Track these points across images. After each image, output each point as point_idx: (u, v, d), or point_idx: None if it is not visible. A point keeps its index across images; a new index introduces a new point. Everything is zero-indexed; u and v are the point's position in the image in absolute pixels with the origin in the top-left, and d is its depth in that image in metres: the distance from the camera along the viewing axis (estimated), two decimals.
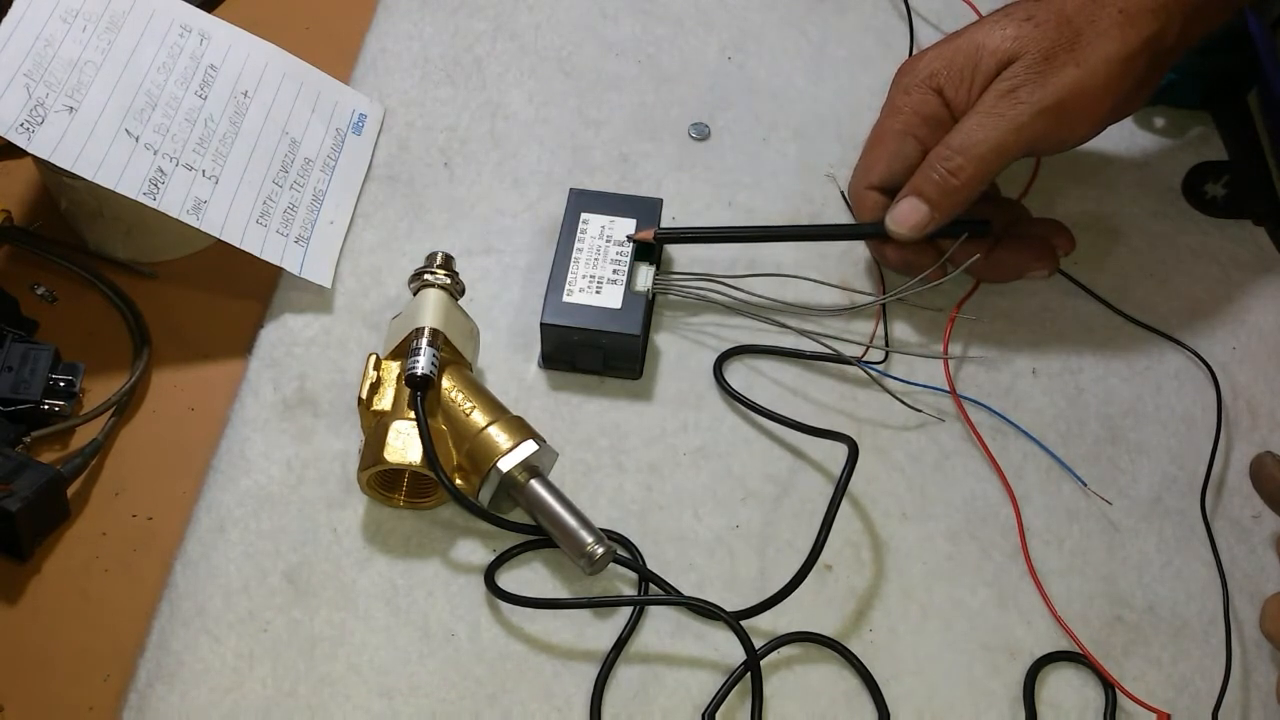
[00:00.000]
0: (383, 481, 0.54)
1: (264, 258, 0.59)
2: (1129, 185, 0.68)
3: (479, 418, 0.53)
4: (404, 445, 0.52)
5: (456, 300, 0.57)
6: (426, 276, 0.56)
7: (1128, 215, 0.67)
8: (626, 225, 0.60)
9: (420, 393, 0.52)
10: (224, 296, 0.62)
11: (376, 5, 0.74)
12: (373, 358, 0.54)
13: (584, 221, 0.60)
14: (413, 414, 0.52)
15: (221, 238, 0.59)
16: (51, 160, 0.58)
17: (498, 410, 0.53)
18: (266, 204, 0.60)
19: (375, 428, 0.53)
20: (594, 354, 0.58)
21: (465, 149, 0.68)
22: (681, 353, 0.60)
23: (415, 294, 0.57)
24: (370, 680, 0.50)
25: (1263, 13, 0.70)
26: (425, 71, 0.71)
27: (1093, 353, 0.61)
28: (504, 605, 0.52)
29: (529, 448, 0.52)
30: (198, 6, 0.72)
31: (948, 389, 0.59)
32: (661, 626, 0.52)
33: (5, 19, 0.59)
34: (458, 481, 0.52)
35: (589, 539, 0.51)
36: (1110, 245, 0.65)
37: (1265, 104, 0.70)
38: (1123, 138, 0.70)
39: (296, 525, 0.54)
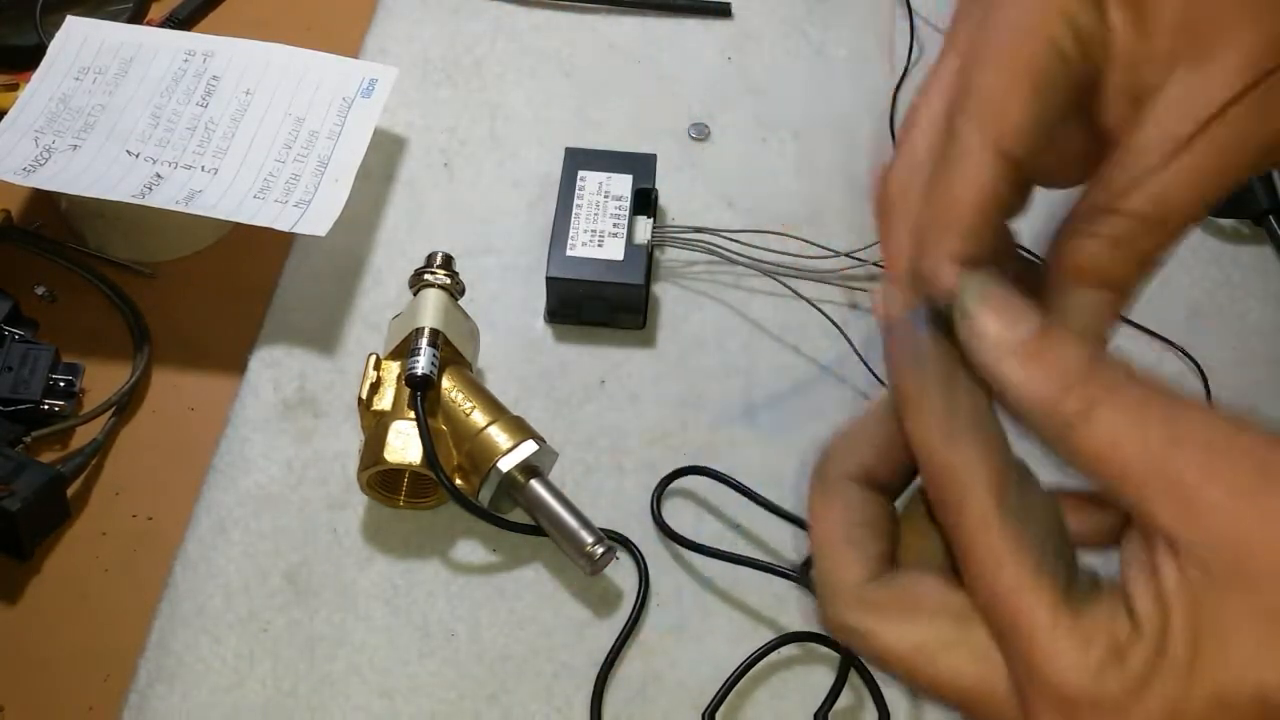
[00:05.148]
0: (383, 482, 0.54)
1: (255, 224, 0.59)
2: None
3: (479, 418, 0.53)
4: (404, 445, 0.51)
5: (456, 300, 0.57)
6: (426, 276, 0.56)
7: None
8: (623, 181, 0.61)
9: (420, 393, 0.52)
10: (224, 296, 0.62)
11: (376, 5, 0.74)
12: (373, 358, 0.54)
13: (581, 179, 0.61)
14: (413, 414, 0.52)
15: (212, 215, 0.59)
16: (48, 189, 0.59)
17: (498, 410, 0.53)
18: (268, 180, 0.61)
19: (375, 428, 0.53)
20: (599, 305, 0.59)
21: (465, 149, 0.68)
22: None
23: (415, 294, 0.56)
24: (370, 680, 0.50)
25: None
26: (425, 72, 0.71)
27: None
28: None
29: (529, 448, 0.52)
30: (195, 10, 0.73)
31: None
32: (661, 625, 0.52)
33: (26, 87, 0.63)
34: (458, 482, 0.52)
35: (589, 539, 0.51)
36: None
37: None
38: None
39: (297, 525, 0.54)
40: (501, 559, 0.54)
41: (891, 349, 0.30)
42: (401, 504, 0.54)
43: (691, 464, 0.56)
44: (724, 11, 0.74)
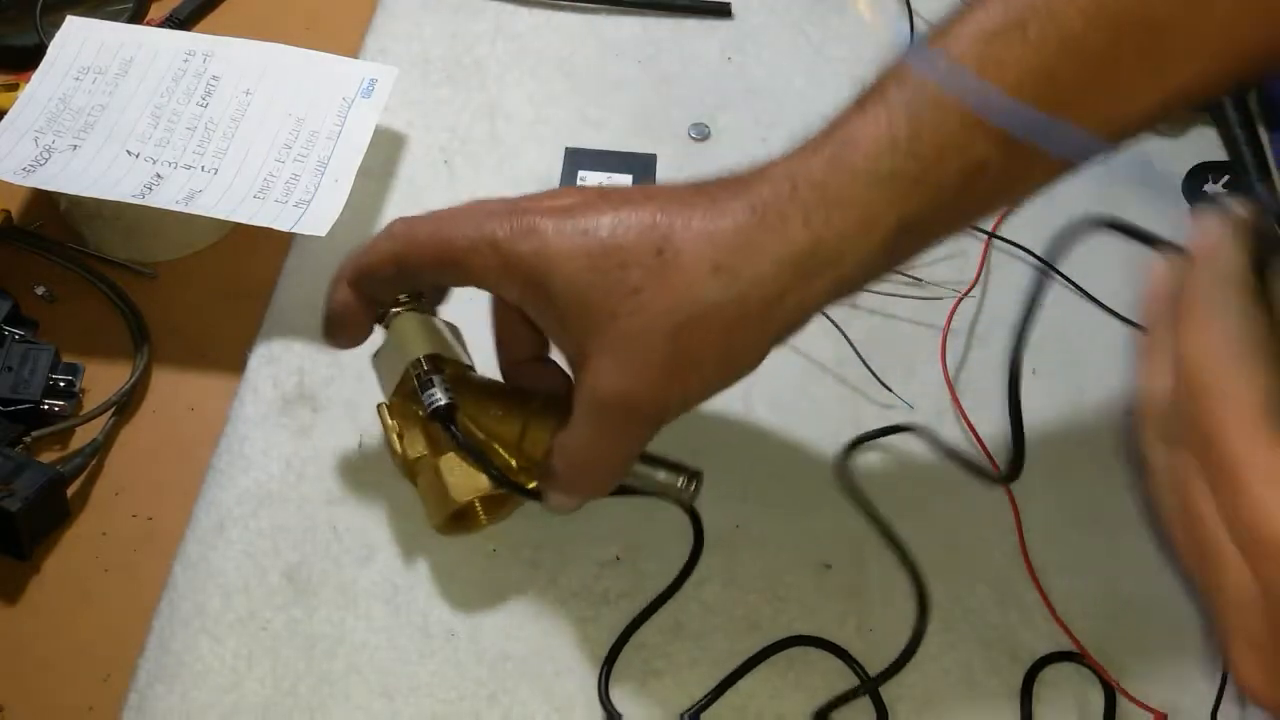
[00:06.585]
0: (456, 518, 0.52)
1: (255, 224, 0.59)
2: (1129, 185, 0.68)
3: (515, 417, 0.51)
4: (465, 477, 0.50)
5: (428, 313, 0.54)
6: (392, 307, 0.53)
7: (1128, 215, 0.66)
8: (623, 181, 0.62)
9: (451, 422, 0.50)
10: (224, 296, 0.62)
11: (376, 5, 0.74)
12: (383, 409, 0.53)
13: (581, 179, 0.62)
14: (450, 447, 0.50)
15: (212, 215, 0.59)
16: (48, 189, 0.59)
17: (526, 401, 0.51)
18: (267, 180, 0.61)
19: (425, 474, 0.51)
20: None
21: (465, 149, 0.68)
22: None
23: (387, 327, 0.52)
24: (370, 680, 0.50)
25: None
26: (425, 71, 0.71)
27: (1093, 353, 0.61)
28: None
29: None
30: (195, 10, 0.73)
31: (947, 388, 0.59)
32: (662, 625, 0.52)
33: (26, 87, 0.63)
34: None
35: (678, 480, 0.50)
36: (1110, 246, 0.65)
37: (1265, 104, 0.70)
38: None
39: (296, 523, 0.54)
40: (502, 559, 0.54)
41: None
42: (484, 522, 0.53)
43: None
44: (724, 11, 0.74)
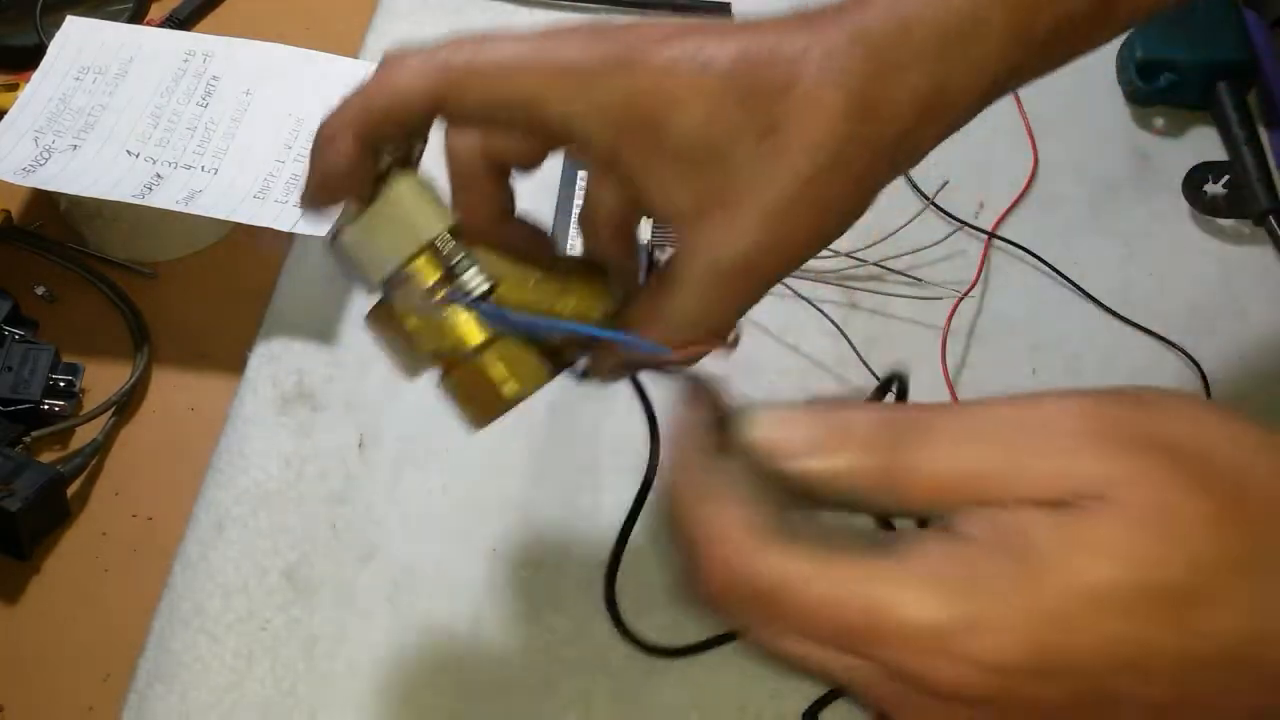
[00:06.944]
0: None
1: (256, 224, 0.59)
2: (1129, 185, 0.68)
3: (549, 288, 0.41)
4: (514, 367, 0.40)
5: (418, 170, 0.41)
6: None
7: (1127, 215, 0.67)
8: None
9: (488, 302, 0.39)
10: (224, 296, 0.62)
11: (376, 5, 0.74)
12: (391, 307, 0.39)
13: (580, 178, 0.62)
14: (483, 336, 0.39)
15: (212, 215, 0.59)
16: (48, 189, 0.59)
17: (551, 265, 0.41)
18: (268, 180, 0.61)
19: (460, 372, 0.40)
20: None
21: None
22: None
23: (376, 194, 0.39)
24: (370, 680, 0.50)
25: (1263, 13, 0.70)
26: None
27: (1093, 354, 0.61)
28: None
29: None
30: (195, 10, 0.73)
31: (947, 388, 0.59)
32: (659, 624, 0.52)
33: (26, 87, 0.63)
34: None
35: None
36: (1110, 245, 0.65)
37: (1265, 104, 0.70)
38: (1123, 138, 0.70)
39: (295, 522, 0.54)
40: (502, 558, 0.54)
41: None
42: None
43: None
44: (724, 12, 0.74)
